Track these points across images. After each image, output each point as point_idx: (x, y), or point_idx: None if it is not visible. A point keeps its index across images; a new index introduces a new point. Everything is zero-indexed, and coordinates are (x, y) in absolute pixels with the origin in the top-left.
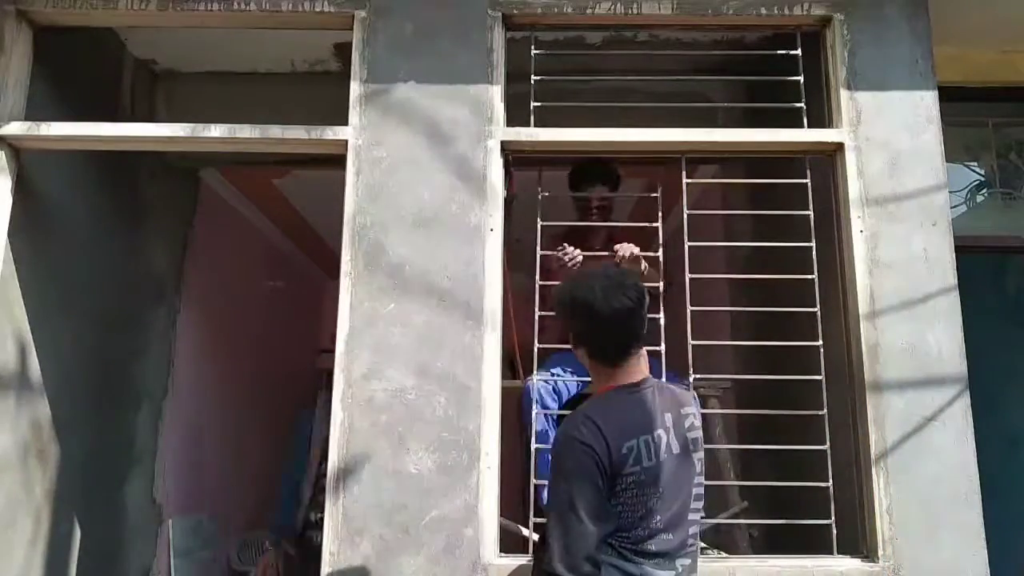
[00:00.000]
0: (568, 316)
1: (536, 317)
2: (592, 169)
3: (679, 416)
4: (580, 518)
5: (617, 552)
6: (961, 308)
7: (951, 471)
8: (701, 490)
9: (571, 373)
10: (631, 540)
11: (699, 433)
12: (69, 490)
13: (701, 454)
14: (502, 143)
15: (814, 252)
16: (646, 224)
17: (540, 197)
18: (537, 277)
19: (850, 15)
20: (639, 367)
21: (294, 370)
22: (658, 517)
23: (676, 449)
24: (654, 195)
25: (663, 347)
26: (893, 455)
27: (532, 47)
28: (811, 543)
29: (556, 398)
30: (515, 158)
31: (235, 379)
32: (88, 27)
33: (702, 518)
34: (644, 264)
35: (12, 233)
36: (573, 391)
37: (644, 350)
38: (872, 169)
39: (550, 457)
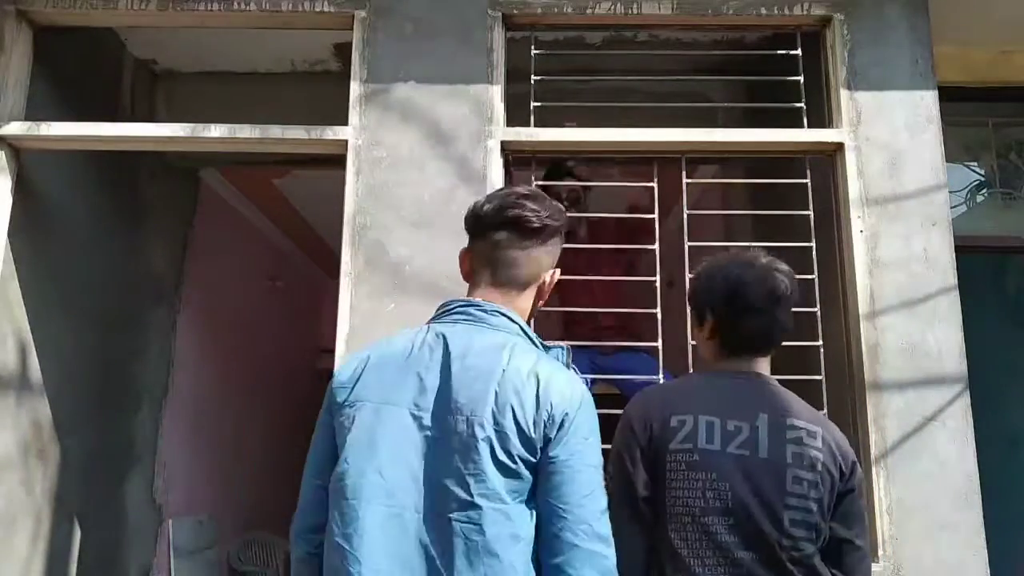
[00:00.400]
0: (709, 301)
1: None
2: (562, 164)
3: (781, 423)
4: (614, 514)
5: (671, 554)
6: (961, 308)
7: (951, 471)
8: (799, 516)
9: (574, 370)
10: (694, 547)
11: (811, 451)
12: (69, 490)
13: (808, 475)
14: (502, 143)
15: (814, 252)
16: (638, 216)
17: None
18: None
19: (850, 15)
20: (753, 368)
21: (294, 370)
22: (730, 521)
23: (763, 453)
24: (649, 184)
25: (660, 344)
26: (893, 455)
27: (532, 47)
28: None
29: None
30: (515, 158)
31: (235, 379)
32: (88, 27)
33: (803, 555)
34: None
35: (12, 233)
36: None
37: (768, 358)
38: (872, 169)
39: None
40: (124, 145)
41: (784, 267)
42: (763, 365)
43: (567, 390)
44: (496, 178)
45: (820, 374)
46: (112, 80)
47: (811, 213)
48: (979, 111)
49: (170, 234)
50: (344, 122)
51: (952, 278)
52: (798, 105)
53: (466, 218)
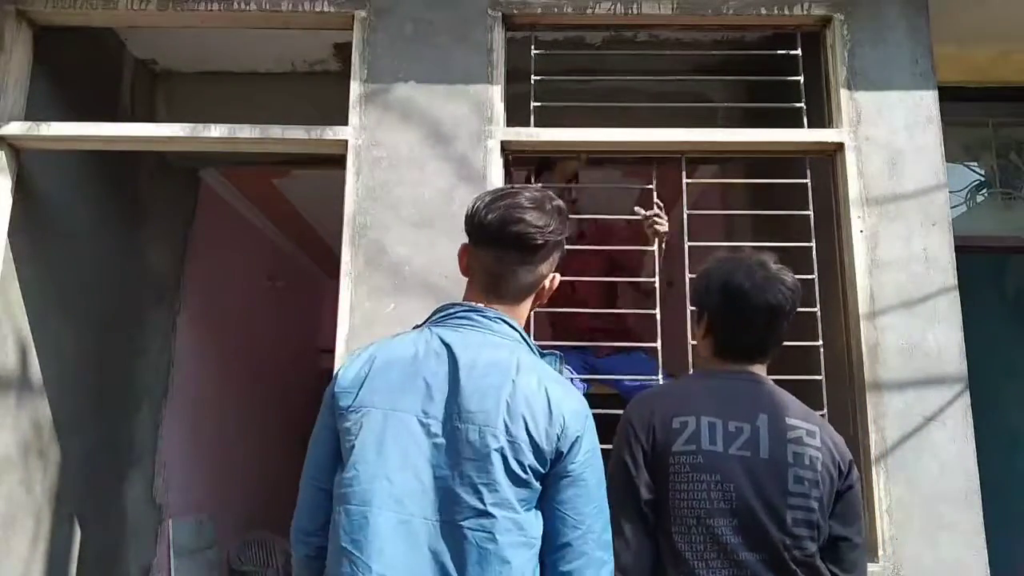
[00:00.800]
0: (706, 301)
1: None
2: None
3: (781, 423)
4: (618, 517)
5: (674, 556)
6: (961, 308)
7: (951, 471)
8: (801, 515)
9: (571, 371)
10: (697, 549)
11: (811, 451)
12: (70, 490)
13: (809, 475)
14: (502, 143)
15: (814, 252)
16: (628, 217)
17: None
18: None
19: (850, 15)
20: (749, 370)
21: (294, 370)
22: (734, 522)
23: (764, 453)
24: (649, 186)
25: (659, 345)
26: (893, 455)
27: (532, 47)
28: None
29: None
30: (515, 158)
31: (235, 379)
32: (88, 27)
33: (805, 555)
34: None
35: (12, 233)
36: (582, 391)
37: (765, 364)
38: (872, 169)
39: None
40: (124, 145)
41: (789, 278)
42: (760, 368)
43: (576, 405)
44: (496, 178)
45: (820, 374)
46: (112, 80)
47: (811, 213)
48: (979, 111)
49: (170, 234)
50: (344, 122)
51: (952, 278)
52: (798, 105)
53: (467, 218)
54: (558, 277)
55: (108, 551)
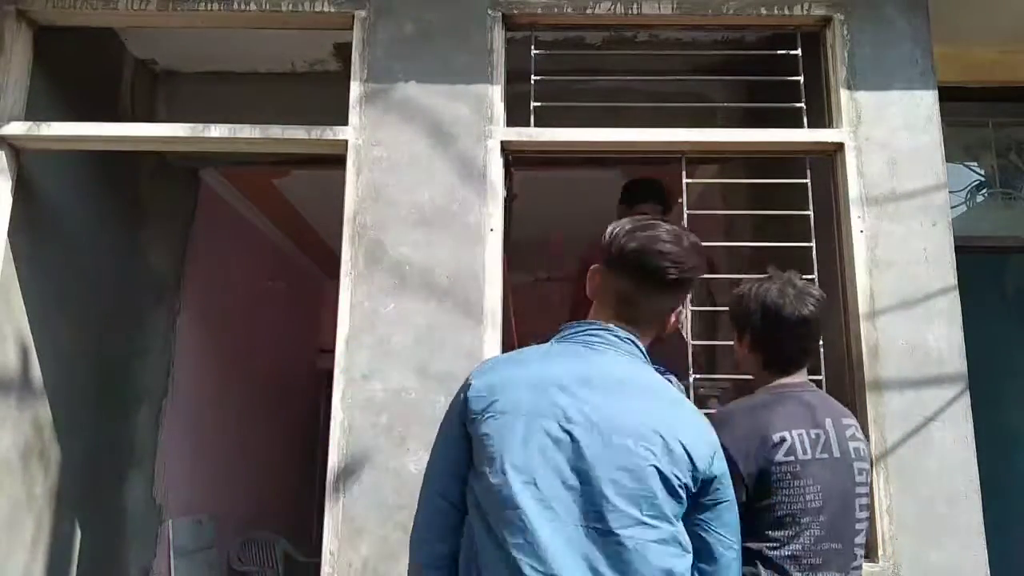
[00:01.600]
0: (747, 321)
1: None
2: (646, 186)
3: (840, 424)
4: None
5: (773, 566)
6: (961, 308)
7: (951, 471)
8: (865, 501)
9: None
10: (788, 546)
11: (861, 444)
12: (70, 490)
13: (865, 465)
14: (502, 143)
15: (814, 252)
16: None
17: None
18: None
19: (850, 15)
20: (801, 376)
21: (294, 370)
22: (821, 518)
23: (837, 452)
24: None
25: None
26: (893, 455)
27: (532, 47)
28: None
29: None
30: (515, 158)
31: (235, 379)
32: (88, 27)
33: (863, 536)
34: None
35: (12, 233)
36: None
37: (806, 370)
38: (872, 169)
39: None
40: (124, 145)
41: (816, 291)
42: (804, 374)
43: (711, 429)
44: (496, 178)
45: (820, 374)
46: (112, 80)
47: (811, 213)
48: (979, 111)
49: (170, 234)
50: (344, 122)
51: (952, 278)
52: (798, 105)
53: (605, 244)
54: (683, 312)
55: (108, 551)
